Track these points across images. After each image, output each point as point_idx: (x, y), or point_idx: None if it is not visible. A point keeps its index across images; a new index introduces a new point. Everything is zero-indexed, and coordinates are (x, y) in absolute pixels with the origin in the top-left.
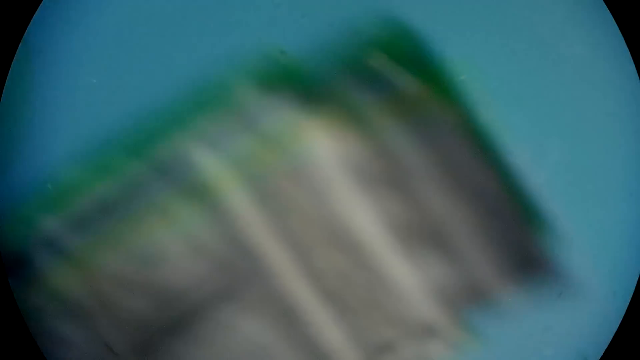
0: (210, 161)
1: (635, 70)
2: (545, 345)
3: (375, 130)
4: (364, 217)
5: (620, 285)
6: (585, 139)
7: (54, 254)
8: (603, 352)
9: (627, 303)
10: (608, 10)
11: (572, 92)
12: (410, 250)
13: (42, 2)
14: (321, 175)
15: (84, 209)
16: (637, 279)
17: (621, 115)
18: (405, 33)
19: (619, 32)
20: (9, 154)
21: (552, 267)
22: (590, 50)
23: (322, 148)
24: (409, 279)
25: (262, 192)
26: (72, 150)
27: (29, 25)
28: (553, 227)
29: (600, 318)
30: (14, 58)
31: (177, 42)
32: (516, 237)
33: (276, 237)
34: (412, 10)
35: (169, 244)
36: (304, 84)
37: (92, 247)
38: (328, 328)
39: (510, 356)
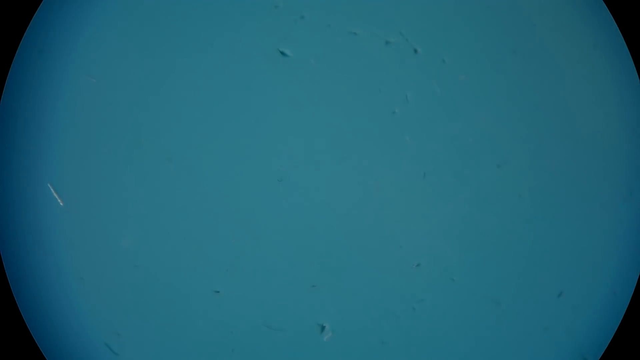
0: None
1: (635, 70)
2: (545, 345)
3: None
4: None
5: (620, 285)
6: (585, 139)
7: None
8: (603, 352)
9: (627, 303)
10: (608, 11)
11: (572, 92)
12: None
13: (42, 2)
14: None
15: None
16: (637, 279)
17: (621, 115)
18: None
19: (619, 32)
20: (9, 154)
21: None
22: (590, 50)
23: None
24: None
25: None
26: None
27: (29, 25)
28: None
29: (600, 318)
30: (14, 58)
31: (177, 41)
32: None
33: None
34: (410, 10)
35: None
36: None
37: None
38: None
39: (510, 356)
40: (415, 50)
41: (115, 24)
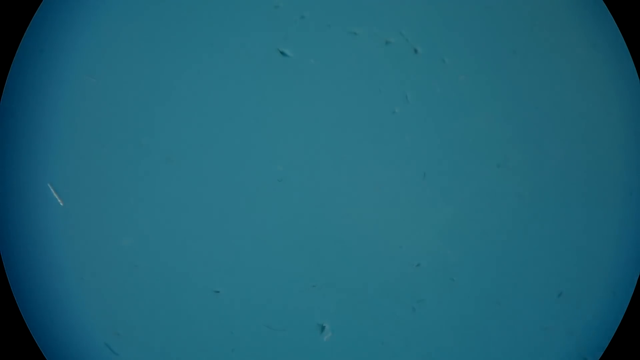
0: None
1: (635, 70)
2: (545, 345)
3: None
4: None
5: (620, 285)
6: (585, 139)
7: None
8: (603, 352)
9: (627, 303)
10: (608, 11)
11: (572, 92)
12: None
13: (42, 2)
14: None
15: None
16: (637, 279)
17: (621, 115)
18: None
19: (619, 32)
20: (9, 154)
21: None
22: (590, 50)
23: None
24: None
25: None
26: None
27: (29, 25)
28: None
29: (600, 318)
30: (14, 58)
31: (177, 41)
32: None
33: None
34: (410, 10)
35: None
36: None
37: None
38: None
39: (510, 356)
40: (415, 50)
41: (115, 24)
